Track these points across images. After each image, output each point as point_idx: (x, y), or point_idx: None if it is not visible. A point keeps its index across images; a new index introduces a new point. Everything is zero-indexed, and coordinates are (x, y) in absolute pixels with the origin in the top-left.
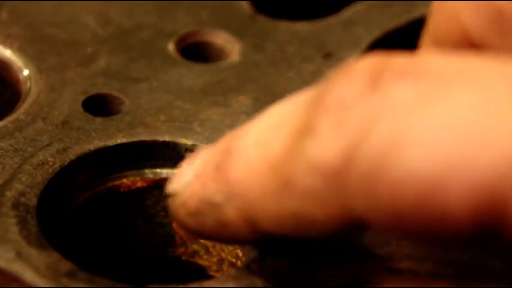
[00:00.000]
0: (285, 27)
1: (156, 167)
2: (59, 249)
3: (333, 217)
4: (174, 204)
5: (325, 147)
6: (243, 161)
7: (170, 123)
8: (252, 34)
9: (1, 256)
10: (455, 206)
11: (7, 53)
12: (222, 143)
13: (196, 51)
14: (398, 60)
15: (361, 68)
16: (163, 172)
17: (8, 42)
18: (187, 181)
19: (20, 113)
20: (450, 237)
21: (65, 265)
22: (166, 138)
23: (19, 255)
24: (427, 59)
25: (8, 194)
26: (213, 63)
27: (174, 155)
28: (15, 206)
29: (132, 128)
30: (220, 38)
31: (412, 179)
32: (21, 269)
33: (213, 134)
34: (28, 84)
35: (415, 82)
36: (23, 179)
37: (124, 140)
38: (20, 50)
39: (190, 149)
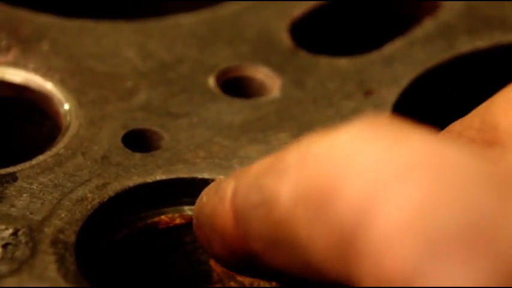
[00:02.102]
0: (326, 62)
1: (194, 203)
2: (98, 287)
3: None
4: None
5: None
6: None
7: (209, 160)
8: (293, 69)
9: None
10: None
11: (48, 86)
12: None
13: (236, 86)
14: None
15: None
16: None
17: (49, 74)
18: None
19: (59, 147)
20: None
21: None
22: (205, 175)
23: None
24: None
25: (47, 230)
26: (253, 99)
27: None
28: (54, 243)
29: (171, 165)
30: (261, 73)
31: None
32: None
33: None
34: (68, 118)
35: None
36: (62, 215)
37: (163, 177)
38: (61, 83)
39: None
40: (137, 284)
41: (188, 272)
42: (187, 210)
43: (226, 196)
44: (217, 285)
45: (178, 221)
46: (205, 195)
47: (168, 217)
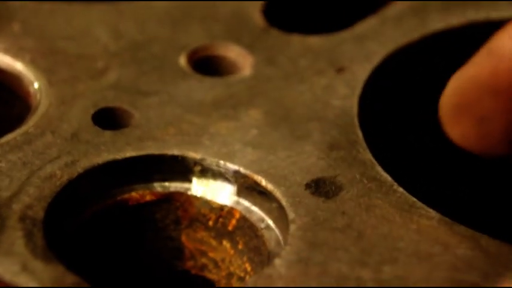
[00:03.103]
0: (298, 40)
1: (164, 180)
2: (66, 263)
3: None
4: None
5: None
6: None
7: (179, 137)
8: (265, 48)
9: (6, 269)
10: None
11: (18, 66)
12: None
13: (208, 65)
14: None
15: None
16: (172, 186)
17: (19, 54)
18: None
19: (29, 125)
20: None
21: (70, 278)
22: (175, 152)
23: (24, 268)
24: None
25: (15, 207)
26: (225, 77)
27: (182, 168)
28: (22, 219)
29: (141, 142)
30: (233, 52)
31: None
32: (26, 282)
33: (222, 148)
34: (38, 96)
35: None
36: (31, 192)
37: (133, 154)
38: (32, 63)
39: (199, 163)
40: (107, 261)
41: (159, 249)
42: (158, 187)
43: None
44: (189, 262)
45: (148, 197)
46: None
47: (139, 194)
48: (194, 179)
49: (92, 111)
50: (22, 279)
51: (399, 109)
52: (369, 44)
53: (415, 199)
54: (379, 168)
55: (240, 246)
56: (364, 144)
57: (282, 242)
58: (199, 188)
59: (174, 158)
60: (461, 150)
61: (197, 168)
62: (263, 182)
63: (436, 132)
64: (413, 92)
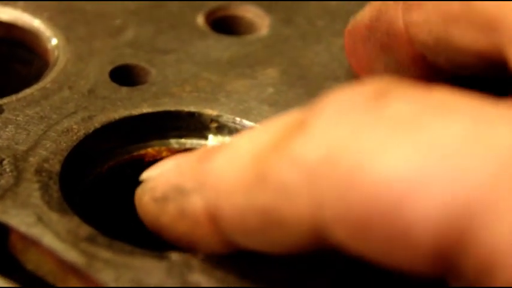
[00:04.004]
0: (315, 2)
1: (180, 137)
2: (81, 216)
3: (300, 220)
4: (142, 189)
5: (312, 145)
6: (228, 153)
7: (196, 94)
8: (282, 8)
9: (22, 220)
10: (417, 224)
11: (36, 23)
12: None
13: (225, 25)
14: (408, 85)
15: (371, 85)
16: (188, 142)
17: (37, 12)
18: (165, 169)
19: (46, 81)
20: (410, 263)
21: (85, 230)
22: (192, 108)
23: (40, 219)
24: (435, 90)
25: (32, 160)
26: (242, 36)
27: (199, 125)
28: (38, 171)
29: (157, 98)
30: (250, 12)
31: (383, 187)
32: (41, 233)
33: (238, 105)
34: (56, 53)
35: (416, 104)
36: (47, 146)
37: (149, 110)
38: (49, 20)
39: (215, 120)
40: (120, 216)
41: None
42: (174, 143)
43: (196, 213)
44: None
45: (165, 154)
46: (152, 202)
47: (155, 150)
48: (210, 136)
49: (109, 68)
50: (37, 230)
51: None
52: None
53: None
54: None
55: None
56: None
57: None
58: (216, 144)
59: (191, 114)
60: None
61: (213, 125)
62: None
63: None
64: None
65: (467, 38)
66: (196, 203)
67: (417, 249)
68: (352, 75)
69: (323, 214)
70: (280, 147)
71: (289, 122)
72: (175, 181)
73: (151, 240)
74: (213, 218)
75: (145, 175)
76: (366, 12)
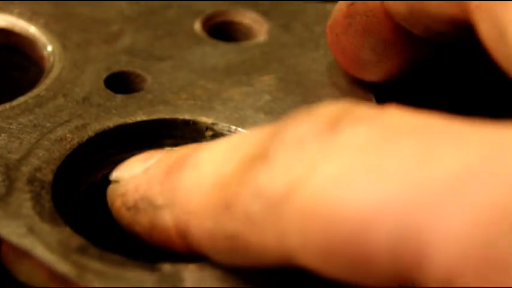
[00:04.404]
0: (313, 7)
1: (176, 145)
2: (73, 226)
3: (267, 247)
4: (114, 191)
5: (273, 176)
6: (195, 173)
7: (191, 101)
8: (280, 14)
9: (13, 231)
10: (377, 248)
11: (32, 29)
12: (181, 151)
13: (223, 31)
14: (360, 110)
15: (325, 112)
16: None
17: (33, 18)
18: (134, 174)
19: (41, 88)
20: (376, 282)
21: (77, 241)
22: (187, 116)
23: (31, 230)
24: (389, 112)
25: (24, 169)
26: (239, 43)
27: (194, 133)
28: (31, 181)
29: (152, 106)
30: (248, 18)
31: (346, 215)
32: (32, 244)
33: (234, 113)
34: (51, 60)
35: (370, 130)
36: (40, 154)
37: (144, 118)
38: (45, 27)
39: (211, 128)
40: (113, 225)
41: None
42: None
43: (167, 228)
44: None
45: None
46: (125, 210)
47: None
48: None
49: (104, 75)
50: (28, 241)
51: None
52: None
53: None
54: None
55: None
56: None
57: None
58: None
59: (186, 122)
60: None
61: (209, 133)
62: None
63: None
64: None
65: (440, 6)
66: (166, 219)
67: (379, 271)
68: (350, 81)
69: (288, 242)
70: (243, 178)
71: (251, 151)
72: (145, 192)
73: (144, 250)
74: (184, 235)
75: (115, 176)
76: (342, 2)
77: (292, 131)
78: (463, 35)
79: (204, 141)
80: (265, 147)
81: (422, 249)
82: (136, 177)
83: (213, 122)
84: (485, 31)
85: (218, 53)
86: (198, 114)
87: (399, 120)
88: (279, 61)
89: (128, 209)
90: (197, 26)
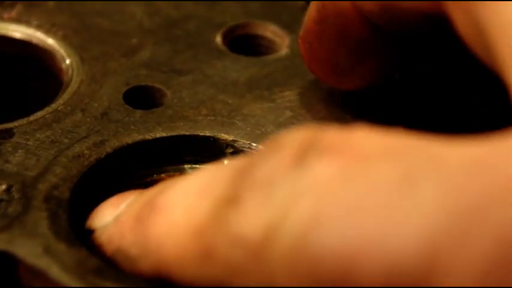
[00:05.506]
0: None
1: (195, 162)
2: (90, 246)
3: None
4: (94, 241)
5: (248, 222)
6: (165, 218)
7: (212, 117)
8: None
9: (29, 251)
10: (368, 282)
11: (50, 42)
12: (148, 193)
13: (244, 44)
14: (326, 137)
15: (290, 143)
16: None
17: (52, 31)
18: (106, 222)
19: (59, 103)
20: None
21: (93, 262)
22: (207, 133)
23: (47, 250)
24: (356, 137)
25: (41, 186)
26: (260, 57)
27: (214, 150)
28: (47, 199)
29: (172, 122)
30: (269, 31)
31: (330, 256)
32: (47, 264)
33: (255, 130)
34: (70, 73)
35: (339, 160)
36: (57, 172)
37: (163, 134)
38: (64, 39)
39: (231, 145)
40: None
41: None
42: (188, 168)
43: (149, 274)
44: None
45: None
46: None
47: (169, 176)
48: (226, 161)
49: (123, 90)
50: (44, 262)
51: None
52: None
53: None
54: None
55: None
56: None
57: None
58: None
59: (206, 138)
60: None
61: (229, 150)
62: None
63: None
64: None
65: (412, 1)
66: (145, 267)
67: None
68: (374, 92)
69: (276, 282)
70: (218, 225)
71: (221, 193)
72: (118, 244)
73: None
74: (166, 277)
75: (88, 226)
76: (311, 8)
77: (260, 170)
78: (436, 29)
79: (224, 158)
80: (236, 188)
81: (415, 282)
82: (108, 227)
83: (234, 139)
84: (462, 23)
85: (239, 67)
86: (218, 131)
87: (369, 145)
88: (300, 76)
89: (111, 256)
90: (218, 39)
